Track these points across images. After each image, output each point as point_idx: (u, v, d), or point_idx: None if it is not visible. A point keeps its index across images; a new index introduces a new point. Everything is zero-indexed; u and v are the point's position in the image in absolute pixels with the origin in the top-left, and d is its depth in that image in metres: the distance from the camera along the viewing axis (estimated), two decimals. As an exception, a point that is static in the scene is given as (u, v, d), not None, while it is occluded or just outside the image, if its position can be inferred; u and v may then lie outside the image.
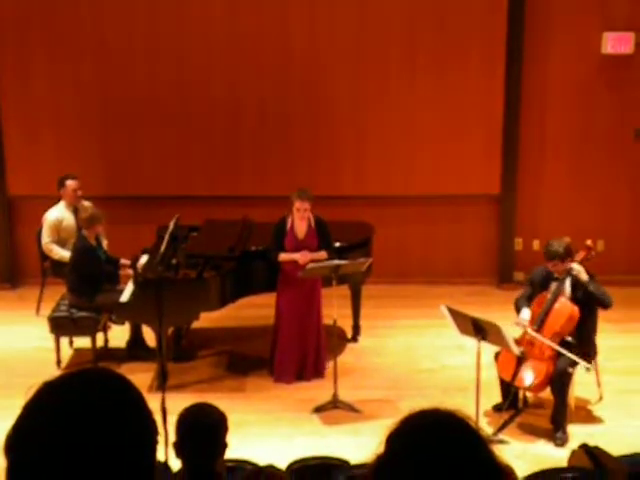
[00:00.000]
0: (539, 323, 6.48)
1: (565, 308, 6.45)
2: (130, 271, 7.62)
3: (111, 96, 9.22)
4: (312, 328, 7.25)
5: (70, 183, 8.36)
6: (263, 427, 6.58)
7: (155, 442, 1.42)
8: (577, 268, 6.43)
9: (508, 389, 6.58)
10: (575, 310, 6.42)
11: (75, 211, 8.34)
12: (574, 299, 6.48)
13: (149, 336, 7.50)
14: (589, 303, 6.46)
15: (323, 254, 7.15)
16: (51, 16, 9.04)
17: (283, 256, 7.13)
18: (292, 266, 7.09)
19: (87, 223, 7.57)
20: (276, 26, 9.08)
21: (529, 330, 6.50)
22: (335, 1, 9.06)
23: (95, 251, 7.62)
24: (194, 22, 9.06)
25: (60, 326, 7.51)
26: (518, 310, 6.70)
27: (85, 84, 9.19)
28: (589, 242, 6.65)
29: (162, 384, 5.60)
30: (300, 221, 7.15)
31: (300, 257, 7.07)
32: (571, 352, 6.42)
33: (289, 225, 7.19)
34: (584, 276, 6.40)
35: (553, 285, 6.58)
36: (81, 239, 7.61)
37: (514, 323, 6.60)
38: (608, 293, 6.44)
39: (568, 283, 6.52)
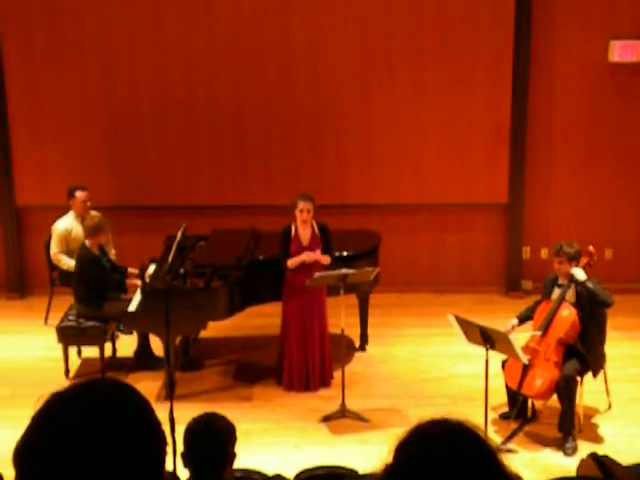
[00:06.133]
0: (544, 329, 6.48)
1: (569, 315, 6.46)
2: (137, 281, 7.63)
3: (118, 107, 9.25)
4: (317, 337, 7.25)
5: (80, 194, 8.37)
6: (271, 436, 6.58)
7: (163, 452, 1.43)
8: (575, 270, 6.43)
9: (516, 398, 6.57)
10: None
11: (84, 222, 8.36)
12: (578, 307, 6.48)
13: (157, 345, 7.51)
14: (592, 308, 6.45)
15: (327, 258, 7.17)
16: (57, 28, 9.07)
17: (291, 261, 7.15)
18: (299, 275, 7.09)
19: (92, 231, 7.59)
20: (280, 35, 9.08)
21: (533, 332, 6.55)
22: (339, 8, 9.07)
23: (99, 260, 7.63)
24: (199, 33, 9.07)
25: (68, 336, 7.52)
26: None
27: (93, 95, 9.22)
28: (591, 248, 6.65)
29: (170, 393, 5.60)
30: (303, 225, 7.17)
31: (306, 257, 7.09)
32: (576, 360, 6.42)
33: (294, 232, 7.21)
34: (582, 275, 6.41)
35: (557, 292, 6.59)
36: (84, 249, 7.62)
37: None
38: (607, 292, 6.44)
39: (572, 290, 6.53)
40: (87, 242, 7.62)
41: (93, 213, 8.36)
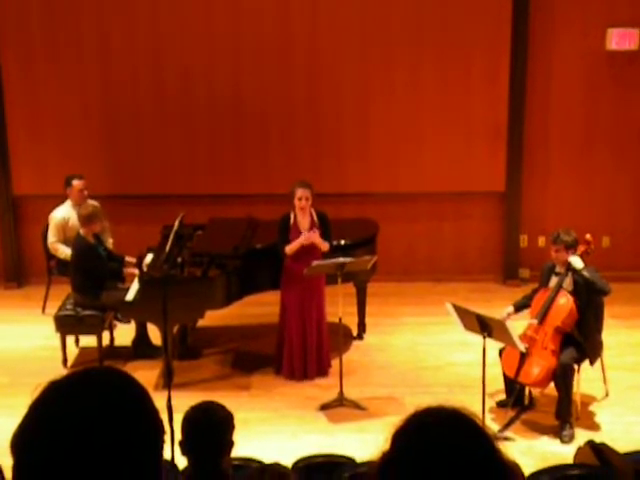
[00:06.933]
0: (541, 318, 6.49)
1: (567, 303, 6.47)
2: (135, 270, 7.63)
3: (115, 95, 9.23)
4: (314, 325, 7.25)
5: (77, 183, 8.36)
6: (269, 425, 6.59)
7: (161, 441, 1.43)
8: (573, 259, 6.44)
9: (513, 386, 6.59)
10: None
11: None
12: (576, 295, 6.49)
13: (155, 334, 7.52)
14: (590, 297, 6.46)
15: (326, 244, 7.16)
16: (55, 18, 9.04)
17: (290, 247, 7.13)
18: (298, 263, 7.08)
19: (85, 220, 7.58)
20: (279, 25, 9.07)
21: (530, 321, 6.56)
22: (338, 1, 9.04)
23: (94, 248, 7.63)
24: (197, 22, 9.05)
25: (66, 325, 7.52)
26: None
27: (89, 83, 9.19)
28: (588, 236, 6.65)
29: (168, 382, 5.61)
30: (302, 212, 7.15)
31: (304, 239, 7.07)
32: (573, 348, 6.44)
33: (292, 220, 7.20)
34: (579, 263, 6.42)
35: (554, 280, 6.60)
36: (79, 239, 7.62)
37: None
38: (605, 280, 6.45)
39: (569, 278, 6.53)
40: (82, 231, 7.62)
41: (90, 202, 8.35)
